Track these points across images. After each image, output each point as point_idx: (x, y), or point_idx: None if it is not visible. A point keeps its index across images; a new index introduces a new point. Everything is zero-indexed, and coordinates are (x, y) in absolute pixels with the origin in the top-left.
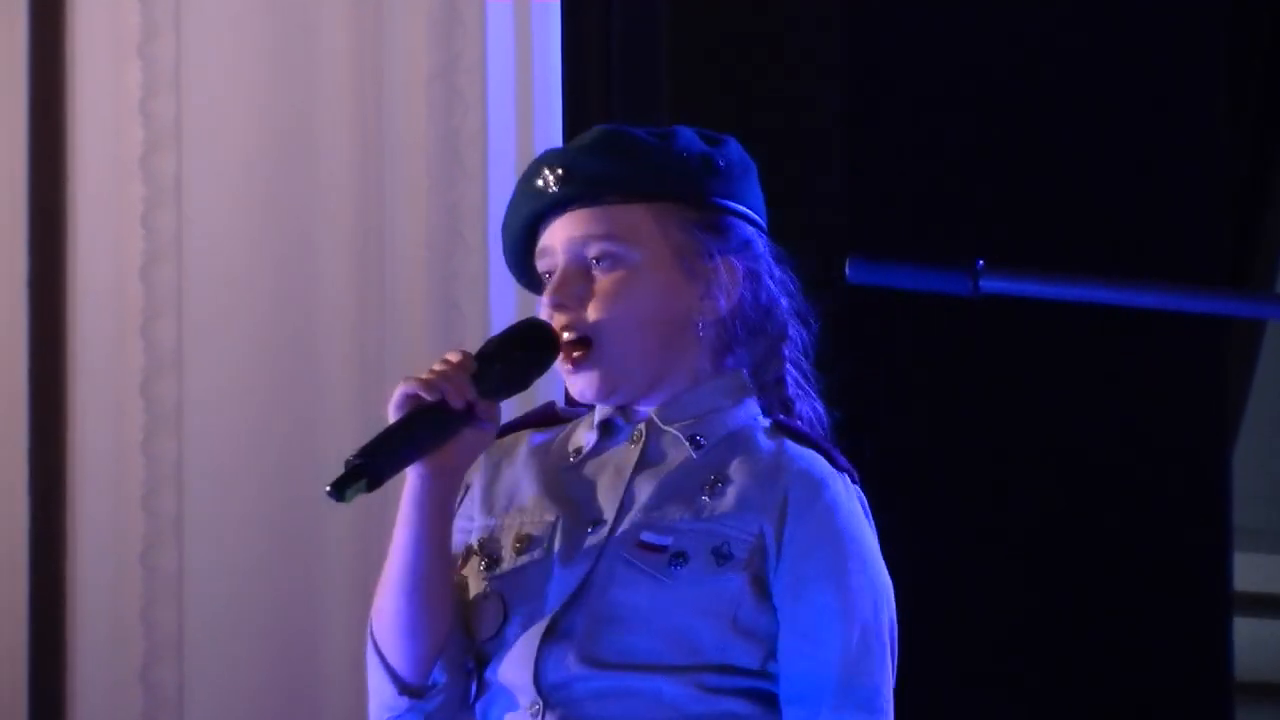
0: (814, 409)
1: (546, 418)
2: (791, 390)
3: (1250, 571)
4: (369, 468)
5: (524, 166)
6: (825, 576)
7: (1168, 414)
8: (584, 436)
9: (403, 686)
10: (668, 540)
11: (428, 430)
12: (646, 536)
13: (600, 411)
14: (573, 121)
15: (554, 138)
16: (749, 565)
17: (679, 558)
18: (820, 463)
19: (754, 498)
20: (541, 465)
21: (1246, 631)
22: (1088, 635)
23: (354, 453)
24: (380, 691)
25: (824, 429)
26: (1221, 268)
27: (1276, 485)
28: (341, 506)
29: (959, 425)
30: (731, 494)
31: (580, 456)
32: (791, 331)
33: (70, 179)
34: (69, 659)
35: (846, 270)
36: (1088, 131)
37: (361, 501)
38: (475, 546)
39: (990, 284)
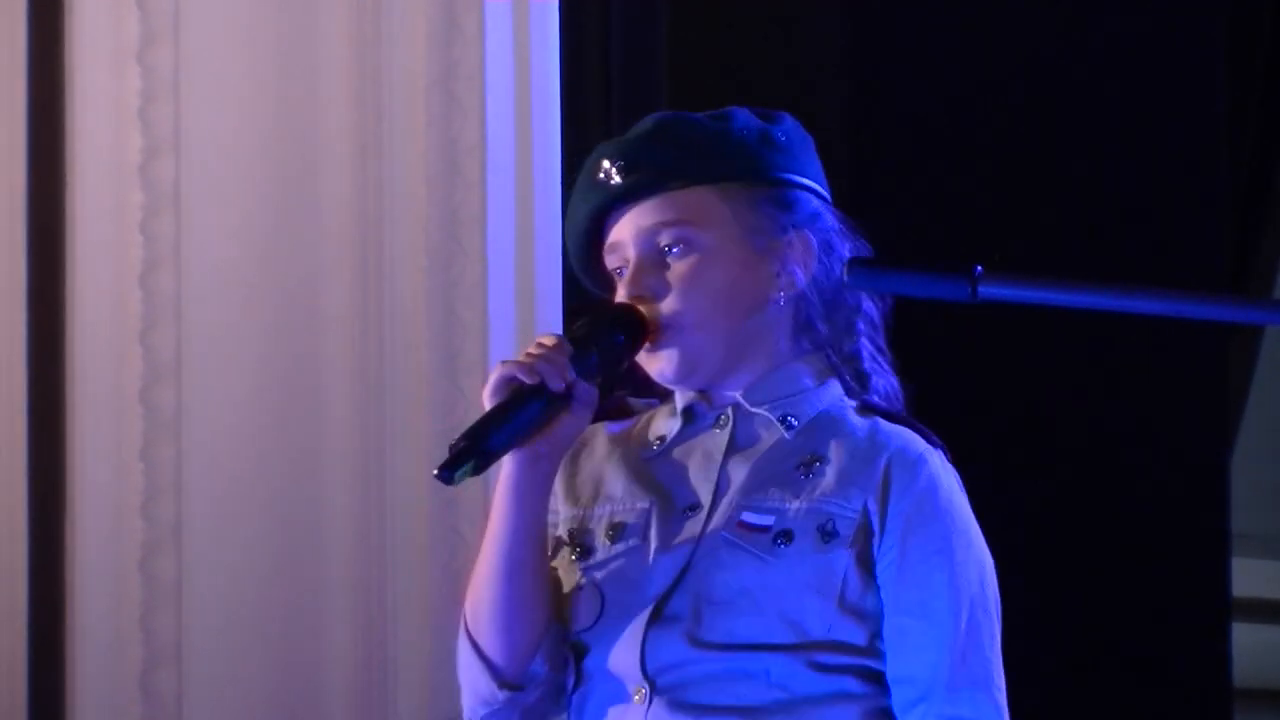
0: (890, 384)
1: (619, 409)
2: (867, 365)
3: (1248, 577)
4: (476, 450)
5: (523, 174)
6: (932, 554)
7: (1166, 419)
8: (666, 424)
9: (501, 680)
10: (770, 520)
11: (528, 413)
12: (747, 517)
13: (682, 398)
14: (572, 127)
15: (553, 145)
16: (854, 543)
17: (783, 537)
18: (916, 440)
19: (855, 476)
20: (624, 455)
21: (1245, 638)
22: (1086, 641)
23: (458, 437)
24: (476, 686)
25: (900, 404)
26: (1221, 273)
27: (1274, 491)
28: (339, 512)
29: (954, 429)
30: (831, 473)
31: (665, 444)
32: (866, 305)
33: (69, 186)
34: (68, 665)
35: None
36: (1090, 135)
37: (359, 507)
38: (565, 537)
39: (989, 290)
